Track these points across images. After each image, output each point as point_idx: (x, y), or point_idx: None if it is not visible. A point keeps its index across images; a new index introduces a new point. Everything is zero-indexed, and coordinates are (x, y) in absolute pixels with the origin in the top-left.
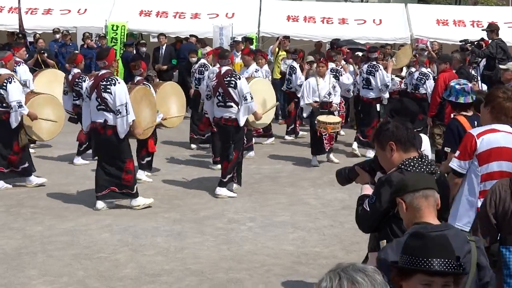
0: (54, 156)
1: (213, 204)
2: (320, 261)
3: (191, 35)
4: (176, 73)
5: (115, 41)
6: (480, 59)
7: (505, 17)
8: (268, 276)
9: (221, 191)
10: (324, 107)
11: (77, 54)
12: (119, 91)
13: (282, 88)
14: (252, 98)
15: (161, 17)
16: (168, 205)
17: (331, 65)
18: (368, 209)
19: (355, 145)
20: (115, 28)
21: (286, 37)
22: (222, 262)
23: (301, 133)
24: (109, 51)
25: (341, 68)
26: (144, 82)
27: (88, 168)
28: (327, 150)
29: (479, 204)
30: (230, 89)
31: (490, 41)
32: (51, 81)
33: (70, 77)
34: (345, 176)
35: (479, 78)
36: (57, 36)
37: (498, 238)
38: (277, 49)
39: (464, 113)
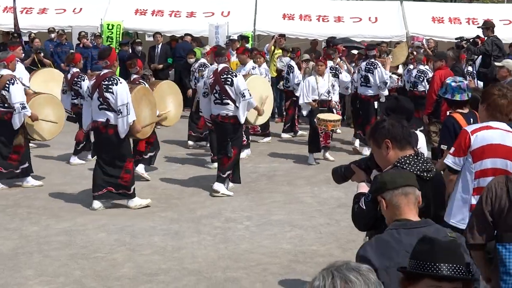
0: (51, 155)
1: (210, 203)
2: (317, 259)
3: (186, 34)
4: (172, 72)
5: (110, 40)
6: (475, 57)
7: (500, 14)
8: (265, 274)
9: (220, 186)
10: (324, 105)
11: (75, 53)
12: (121, 91)
13: (278, 86)
14: (250, 94)
15: (156, 16)
16: (165, 204)
17: (330, 63)
18: (364, 207)
19: (357, 142)
20: (110, 27)
21: (282, 35)
22: (219, 261)
23: (300, 132)
24: (111, 51)
25: (336, 65)
26: (140, 81)
27: (85, 168)
28: (321, 147)
29: (473, 201)
30: (227, 87)
31: (485, 38)
32: (47, 81)
33: (69, 76)
34: (341, 174)
35: (475, 75)
36: (52, 35)
37: (495, 235)
38: (272, 47)
39: (460, 110)
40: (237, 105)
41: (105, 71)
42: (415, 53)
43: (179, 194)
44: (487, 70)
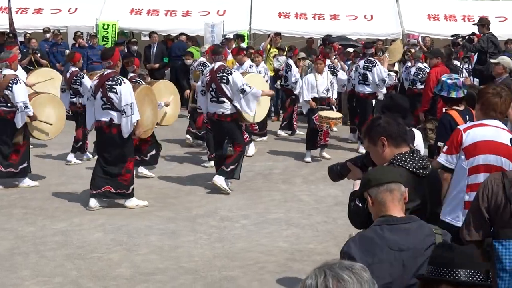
0: (48, 155)
1: (207, 202)
2: (314, 257)
3: (181, 34)
4: (168, 71)
5: (106, 40)
6: (471, 54)
7: (495, 11)
8: (262, 273)
9: (220, 179)
10: (322, 103)
11: (75, 52)
12: (125, 91)
13: (276, 85)
14: (250, 87)
15: (152, 15)
16: (161, 204)
17: (327, 61)
18: (360, 205)
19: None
20: (106, 27)
21: (278, 34)
22: (216, 260)
23: (297, 132)
24: (114, 51)
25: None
26: (137, 79)
27: (81, 167)
28: (319, 145)
29: (467, 198)
30: (223, 85)
31: (481, 35)
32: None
33: (68, 75)
34: (337, 172)
35: (471, 72)
36: (48, 35)
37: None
38: (268, 46)
39: (456, 107)
40: (234, 103)
41: (108, 71)
42: (413, 50)
43: (175, 193)
44: (483, 67)
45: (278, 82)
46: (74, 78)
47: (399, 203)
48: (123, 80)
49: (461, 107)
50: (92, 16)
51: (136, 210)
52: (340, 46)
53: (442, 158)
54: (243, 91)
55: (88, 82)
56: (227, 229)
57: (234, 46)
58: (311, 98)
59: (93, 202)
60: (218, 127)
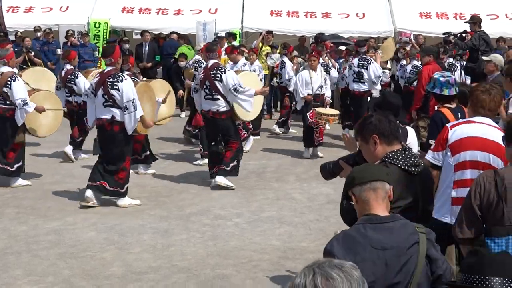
0: (40, 154)
1: (199, 201)
2: (306, 255)
3: (172, 32)
4: (160, 69)
5: (97, 38)
6: (463, 51)
7: (487, 9)
8: (255, 271)
9: (221, 179)
10: (317, 100)
11: (70, 50)
12: (127, 88)
13: (272, 83)
14: (243, 87)
15: (143, 14)
16: (154, 202)
17: (320, 59)
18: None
19: None
20: (97, 25)
21: (270, 32)
22: (209, 258)
23: (291, 130)
24: (115, 48)
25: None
26: (132, 77)
27: (74, 166)
28: (316, 143)
29: (454, 194)
30: (216, 82)
31: (473, 33)
32: (37, 80)
33: (63, 73)
34: (329, 171)
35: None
36: (38, 34)
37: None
38: (260, 44)
39: (448, 105)
40: (228, 101)
41: (109, 68)
42: (408, 48)
43: (168, 192)
44: (474, 64)
45: (274, 80)
46: (69, 76)
47: (383, 202)
48: (124, 77)
49: (453, 105)
50: (84, 15)
51: (129, 209)
52: (332, 44)
53: (429, 155)
54: (235, 90)
55: (82, 81)
56: (220, 228)
57: (226, 44)
58: (307, 95)
59: (89, 193)
60: (213, 125)
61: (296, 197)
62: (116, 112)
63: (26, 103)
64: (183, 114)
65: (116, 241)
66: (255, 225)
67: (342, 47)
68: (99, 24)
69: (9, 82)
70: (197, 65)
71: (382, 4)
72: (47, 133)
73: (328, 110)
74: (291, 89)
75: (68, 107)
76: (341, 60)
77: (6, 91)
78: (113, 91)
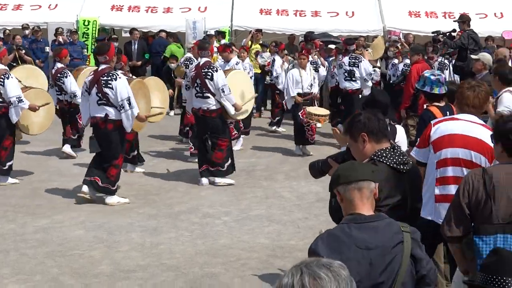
0: (30, 152)
1: (188, 199)
2: (295, 253)
3: (161, 30)
4: (149, 68)
5: (86, 36)
6: (452, 50)
7: (476, 8)
8: (244, 270)
9: (220, 180)
10: (306, 98)
11: (62, 48)
12: (121, 86)
13: (266, 82)
14: (230, 90)
15: (133, 12)
16: (143, 200)
17: (309, 57)
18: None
19: None
20: (86, 23)
21: (259, 30)
22: (197, 257)
23: (280, 128)
24: (110, 46)
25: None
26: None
27: (62, 165)
28: (311, 141)
29: (437, 191)
30: (207, 81)
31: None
32: (27, 78)
33: (53, 71)
34: (318, 169)
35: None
36: (27, 32)
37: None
38: (250, 42)
39: (437, 103)
40: (218, 99)
41: (103, 66)
42: (400, 47)
43: (156, 190)
44: (463, 63)
45: (267, 78)
46: (59, 75)
47: (368, 201)
48: (118, 75)
49: (442, 104)
50: (73, 12)
51: (117, 207)
52: (321, 43)
53: (413, 152)
54: (223, 91)
55: (69, 81)
56: (209, 226)
57: (215, 42)
58: (296, 94)
59: (85, 188)
60: (203, 123)
61: (285, 195)
62: (110, 110)
63: (22, 100)
64: (172, 113)
65: (105, 240)
66: (243, 223)
67: (332, 46)
68: (88, 22)
69: (2, 80)
70: (188, 62)
71: (372, 2)
72: (38, 131)
73: (318, 110)
74: (280, 87)
75: (59, 106)
76: (331, 59)
77: None
78: (106, 90)
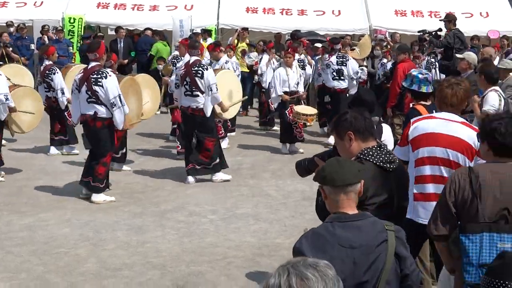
0: (17, 149)
1: (174, 197)
2: (281, 252)
3: (147, 29)
4: (135, 66)
5: (72, 34)
6: (438, 49)
7: (462, 7)
8: (230, 268)
9: (215, 176)
10: (293, 96)
11: (49, 45)
12: (111, 84)
13: (254, 81)
14: (217, 89)
15: (119, 10)
16: (128, 199)
17: (296, 56)
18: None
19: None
20: (72, 20)
21: (245, 29)
22: (184, 255)
23: (275, 128)
24: (100, 44)
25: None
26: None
27: (47, 163)
28: (301, 139)
29: (415, 190)
30: (197, 79)
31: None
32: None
33: (42, 68)
34: (304, 167)
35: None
36: (11, 29)
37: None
38: (236, 41)
39: (423, 102)
40: (206, 97)
41: (93, 64)
42: (389, 46)
43: (143, 188)
44: (449, 62)
45: (256, 77)
46: (47, 72)
47: (353, 201)
48: (108, 73)
49: (428, 102)
50: (58, 10)
51: (103, 206)
52: (308, 41)
53: (395, 150)
54: (211, 89)
55: (58, 78)
56: (195, 224)
57: (201, 40)
58: (284, 92)
59: (85, 190)
60: (192, 121)
61: (272, 193)
62: (99, 108)
63: (8, 98)
64: (158, 111)
65: (91, 238)
66: (230, 221)
67: (318, 44)
68: (74, 19)
69: None
70: (175, 60)
71: (358, 1)
72: (27, 129)
73: (306, 110)
74: (264, 85)
75: (48, 103)
76: (317, 57)
77: None
78: (96, 88)
